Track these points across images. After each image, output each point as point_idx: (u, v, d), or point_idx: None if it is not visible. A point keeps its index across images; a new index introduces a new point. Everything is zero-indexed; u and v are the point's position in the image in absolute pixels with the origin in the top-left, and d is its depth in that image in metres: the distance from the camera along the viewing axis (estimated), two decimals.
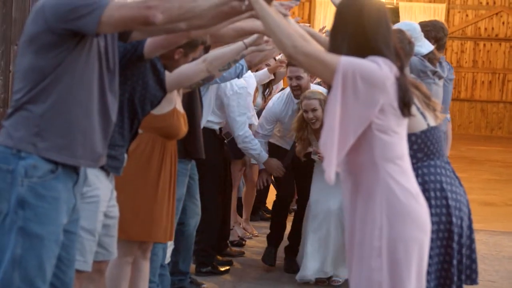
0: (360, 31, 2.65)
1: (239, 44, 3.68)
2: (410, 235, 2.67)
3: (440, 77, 4.64)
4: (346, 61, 2.56)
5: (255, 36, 3.66)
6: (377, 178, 2.66)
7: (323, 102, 4.63)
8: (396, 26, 4.62)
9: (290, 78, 5.08)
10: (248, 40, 3.69)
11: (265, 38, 3.75)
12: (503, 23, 16.16)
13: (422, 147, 3.29)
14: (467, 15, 16.05)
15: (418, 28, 4.63)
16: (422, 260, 2.71)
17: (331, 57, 2.58)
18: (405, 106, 2.64)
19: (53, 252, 2.57)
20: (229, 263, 5.37)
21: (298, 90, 5.02)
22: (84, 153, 2.59)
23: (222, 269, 5.12)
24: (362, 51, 2.63)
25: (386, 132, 2.64)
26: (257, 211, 7.08)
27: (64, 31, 2.45)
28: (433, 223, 3.17)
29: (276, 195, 5.46)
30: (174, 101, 3.55)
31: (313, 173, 5.09)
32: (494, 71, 16.15)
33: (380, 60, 2.61)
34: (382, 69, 2.60)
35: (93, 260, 3.12)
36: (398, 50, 2.79)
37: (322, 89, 5.20)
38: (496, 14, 15.97)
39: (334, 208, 4.84)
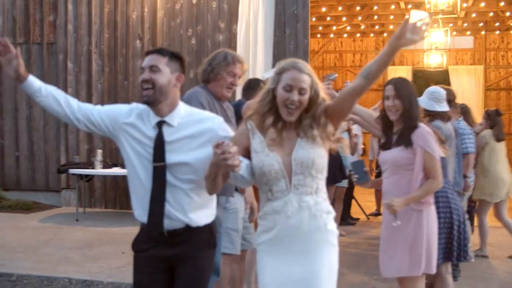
0: (412, 104, 3.35)
1: None
2: (425, 231, 3.34)
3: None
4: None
5: None
6: None
7: (314, 84, 2.56)
8: (428, 89, 4.72)
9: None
10: None
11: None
12: None
13: None
14: (499, 72, 16.39)
15: (443, 92, 4.69)
16: (431, 247, 3.34)
17: None
18: (441, 145, 3.39)
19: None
20: None
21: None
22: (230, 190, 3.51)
23: None
24: (415, 119, 3.31)
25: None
26: (346, 218, 8.54)
27: None
28: (440, 218, 3.78)
29: None
30: None
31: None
32: None
33: (425, 126, 3.33)
34: (431, 134, 3.33)
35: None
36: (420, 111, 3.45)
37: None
38: None
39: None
